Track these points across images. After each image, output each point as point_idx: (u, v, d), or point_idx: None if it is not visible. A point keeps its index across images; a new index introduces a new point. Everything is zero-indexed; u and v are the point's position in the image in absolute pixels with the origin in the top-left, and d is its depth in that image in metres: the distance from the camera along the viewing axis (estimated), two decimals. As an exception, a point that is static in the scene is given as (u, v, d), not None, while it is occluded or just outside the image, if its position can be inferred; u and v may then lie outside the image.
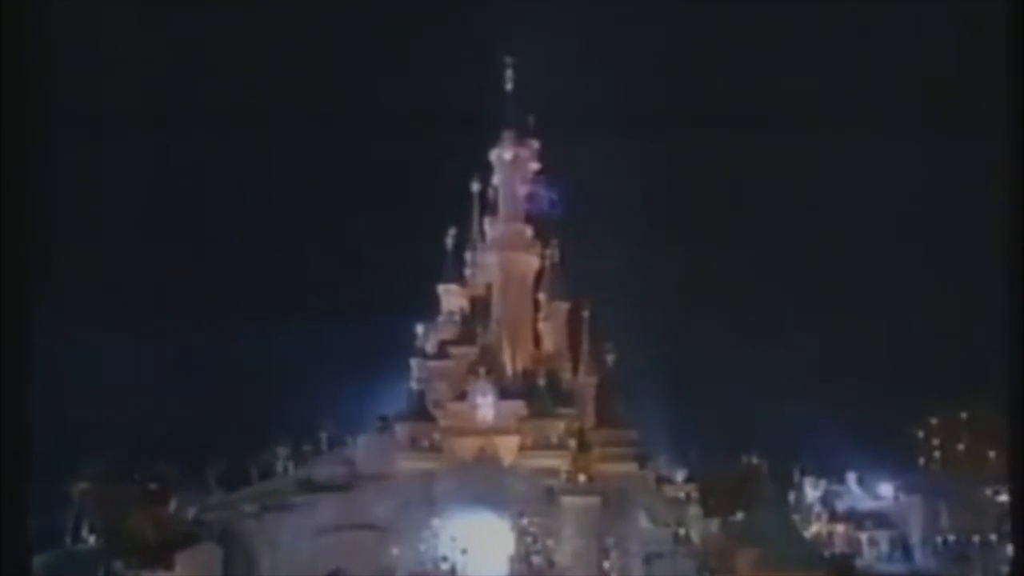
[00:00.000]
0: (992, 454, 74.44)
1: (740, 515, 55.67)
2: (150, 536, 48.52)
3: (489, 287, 58.40)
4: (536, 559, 42.91)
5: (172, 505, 55.32)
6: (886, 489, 72.76)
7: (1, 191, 6.92)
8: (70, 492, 54.22)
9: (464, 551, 42.22)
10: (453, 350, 55.17)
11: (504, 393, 52.36)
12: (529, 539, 43.34)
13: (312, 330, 71.00)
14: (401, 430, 51.01)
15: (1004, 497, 64.00)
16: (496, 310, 57.31)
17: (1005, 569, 54.79)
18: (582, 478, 46.52)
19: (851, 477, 74.63)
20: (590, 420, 53.16)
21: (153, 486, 58.87)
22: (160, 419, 65.41)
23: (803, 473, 72.03)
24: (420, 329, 57.11)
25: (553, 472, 47.32)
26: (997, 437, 72.32)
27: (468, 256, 60.92)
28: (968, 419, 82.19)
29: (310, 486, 49.45)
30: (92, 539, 53.88)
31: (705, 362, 78.28)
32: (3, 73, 6.27)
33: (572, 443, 49.29)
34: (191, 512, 51.77)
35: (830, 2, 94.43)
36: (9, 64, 6.26)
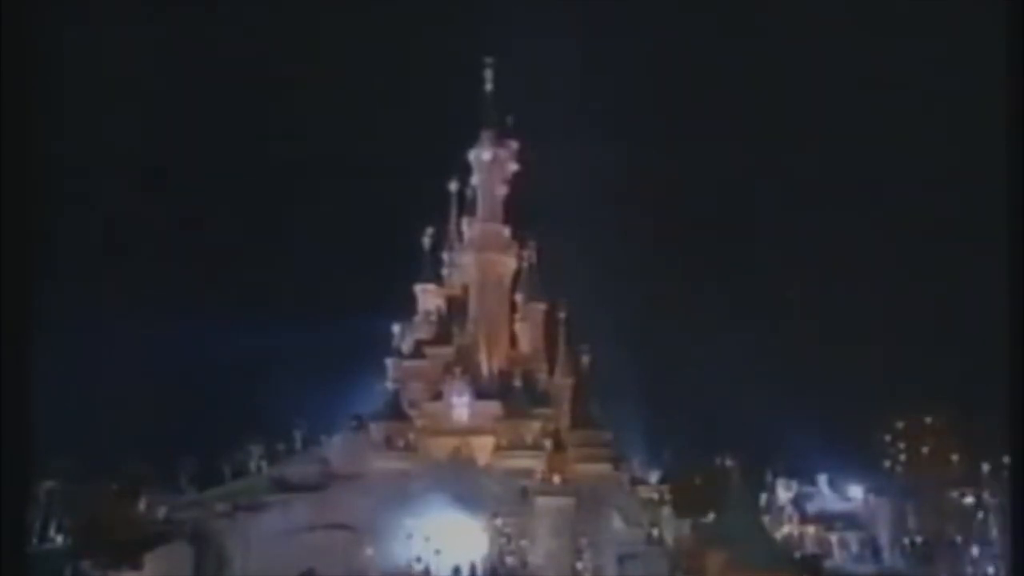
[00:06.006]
0: (955, 457, 75.90)
1: (711, 516, 56.26)
2: (119, 535, 47.78)
3: (466, 287, 58.37)
4: (510, 559, 42.91)
5: (142, 504, 54.60)
6: (856, 491, 73.92)
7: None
8: (36, 490, 53.38)
9: (438, 551, 42.09)
10: (429, 350, 55.02)
11: (480, 393, 52.35)
12: (503, 539, 43.33)
13: (287, 328, 70.52)
14: (376, 430, 50.75)
15: (969, 499, 65.39)
16: (473, 310, 57.26)
17: (970, 570, 55.95)
18: (556, 479, 46.56)
19: (822, 479, 75.73)
20: (565, 421, 53.34)
21: (123, 484, 58.12)
22: (131, 416, 64.62)
23: (775, 475, 72.97)
24: (396, 328, 56.96)
25: (528, 473, 47.35)
26: (960, 441, 73.92)
27: (445, 256, 60.87)
28: (932, 424, 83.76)
29: (283, 485, 49.00)
30: (59, 538, 53.14)
31: (680, 365, 78.91)
32: (3, 73, 6.17)
33: (547, 444, 49.42)
34: (162, 511, 51.07)
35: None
36: (9, 64, 6.16)
